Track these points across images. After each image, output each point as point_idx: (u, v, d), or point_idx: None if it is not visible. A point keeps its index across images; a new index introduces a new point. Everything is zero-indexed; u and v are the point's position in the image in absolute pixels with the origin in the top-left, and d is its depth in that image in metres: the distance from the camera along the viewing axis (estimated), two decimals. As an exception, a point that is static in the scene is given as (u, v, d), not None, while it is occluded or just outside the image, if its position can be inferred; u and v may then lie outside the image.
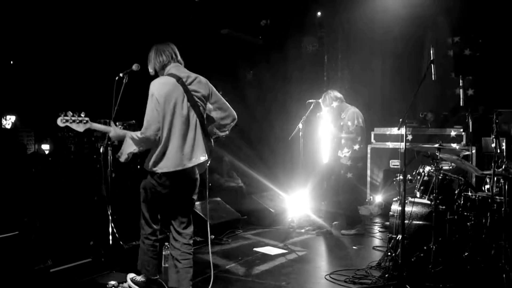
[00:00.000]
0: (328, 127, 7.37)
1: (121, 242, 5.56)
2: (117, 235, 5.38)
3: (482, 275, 4.73)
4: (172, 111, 4.07)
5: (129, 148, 4.11)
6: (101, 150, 5.20)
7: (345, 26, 10.21)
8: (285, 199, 8.33)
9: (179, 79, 4.12)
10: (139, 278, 4.52)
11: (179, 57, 4.32)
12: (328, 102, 7.27)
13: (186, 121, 4.12)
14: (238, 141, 9.15)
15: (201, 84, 4.26)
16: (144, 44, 4.63)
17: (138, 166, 6.64)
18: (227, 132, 4.51)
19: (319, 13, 10.33)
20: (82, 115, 4.14)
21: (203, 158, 4.18)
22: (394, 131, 8.77)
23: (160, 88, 4.08)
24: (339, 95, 7.32)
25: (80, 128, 4.15)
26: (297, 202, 7.95)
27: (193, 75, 4.26)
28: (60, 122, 4.11)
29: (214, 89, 4.37)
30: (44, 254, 4.97)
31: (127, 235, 5.77)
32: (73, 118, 4.10)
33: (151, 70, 4.34)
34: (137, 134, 4.07)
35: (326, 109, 7.32)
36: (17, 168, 7.49)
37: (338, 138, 7.32)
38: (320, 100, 7.35)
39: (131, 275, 4.60)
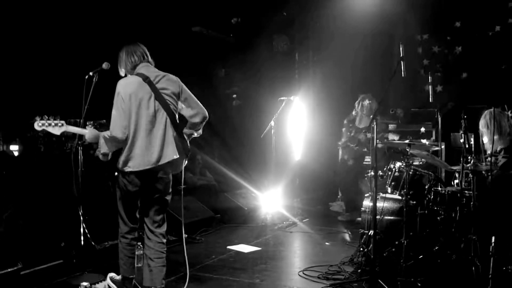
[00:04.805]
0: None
1: (93, 243, 5.51)
2: (88, 235, 5.33)
3: (452, 268, 4.81)
4: (137, 110, 4.08)
5: (102, 148, 4.15)
6: (72, 150, 5.18)
7: (316, 24, 10.26)
8: (258, 197, 8.34)
9: (146, 78, 4.12)
10: (118, 277, 4.53)
11: (149, 57, 4.32)
12: (370, 108, 7.55)
13: (153, 119, 4.11)
14: (210, 139, 9.12)
15: (170, 81, 4.24)
16: (113, 41, 4.59)
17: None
18: (200, 132, 4.53)
19: (284, 13, 10.37)
20: (58, 118, 4.20)
21: (173, 157, 4.16)
22: (365, 127, 8.84)
23: (125, 87, 4.10)
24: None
25: (56, 131, 4.22)
26: (270, 200, 7.97)
27: (162, 73, 4.26)
28: (37, 126, 4.19)
29: (185, 86, 4.35)
30: (13, 257, 4.89)
31: (99, 236, 5.72)
32: (49, 122, 4.19)
33: (121, 72, 4.34)
34: (107, 134, 4.10)
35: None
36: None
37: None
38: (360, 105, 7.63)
39: (111, 274, 4.63)
